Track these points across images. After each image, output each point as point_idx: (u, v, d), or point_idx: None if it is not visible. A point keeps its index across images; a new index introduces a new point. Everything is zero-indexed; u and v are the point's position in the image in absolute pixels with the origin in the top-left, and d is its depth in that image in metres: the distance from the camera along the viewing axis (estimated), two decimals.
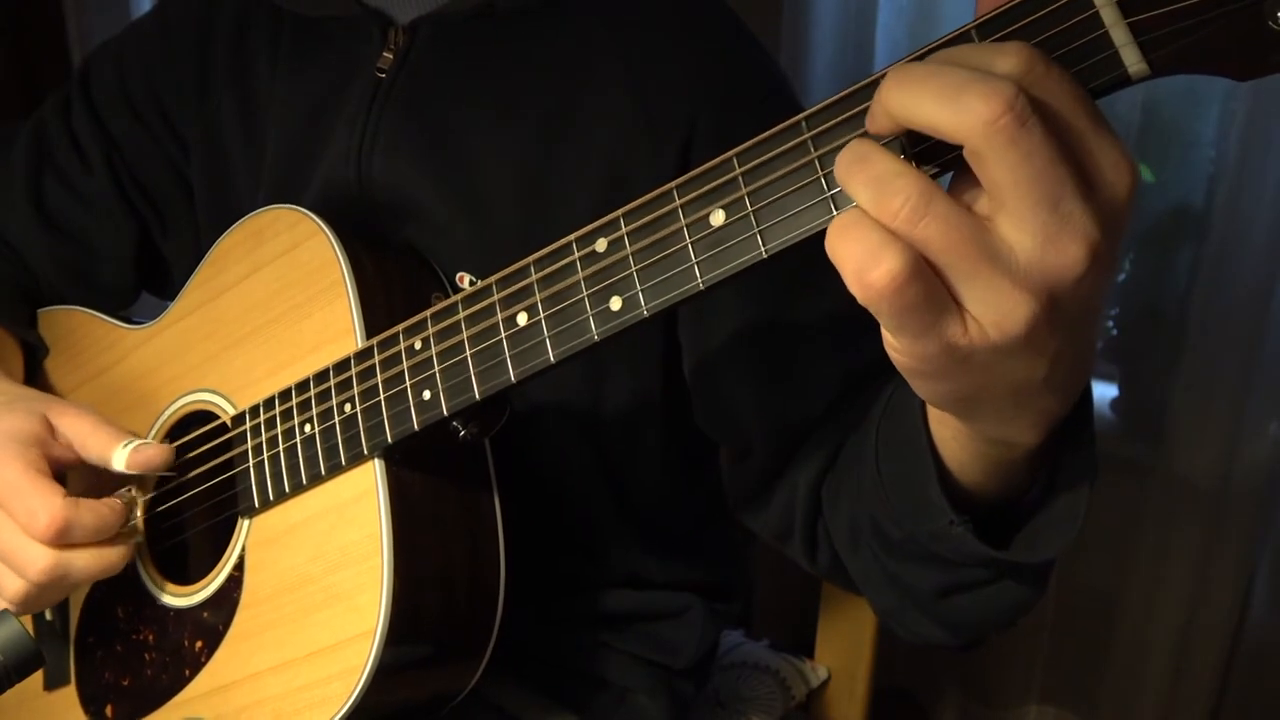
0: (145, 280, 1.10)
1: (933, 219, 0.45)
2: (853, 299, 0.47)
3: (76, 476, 0.87)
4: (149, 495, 0.89)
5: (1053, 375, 0.51)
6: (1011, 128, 0.43)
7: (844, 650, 1.23)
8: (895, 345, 0.49)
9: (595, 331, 0.60)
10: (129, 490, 0.84)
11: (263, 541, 0.80)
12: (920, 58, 0.49)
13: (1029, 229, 0.45)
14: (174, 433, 0.90)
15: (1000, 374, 0.50)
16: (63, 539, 0.77)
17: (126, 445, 0.81)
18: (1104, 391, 1.84)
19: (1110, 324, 1.85)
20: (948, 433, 0.62)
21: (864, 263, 0.45)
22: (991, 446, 0.59)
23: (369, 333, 0.76)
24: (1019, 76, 0.44)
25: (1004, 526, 0.64)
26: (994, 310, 0.46)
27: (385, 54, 0.90)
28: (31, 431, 0.81)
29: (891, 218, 0.45)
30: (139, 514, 0.88)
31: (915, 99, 0.45)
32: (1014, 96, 0.43)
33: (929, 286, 0.46)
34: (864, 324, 0.50)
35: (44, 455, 0.81)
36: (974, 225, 0.45)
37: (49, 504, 0.77)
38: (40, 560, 0.77)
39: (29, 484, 0.78)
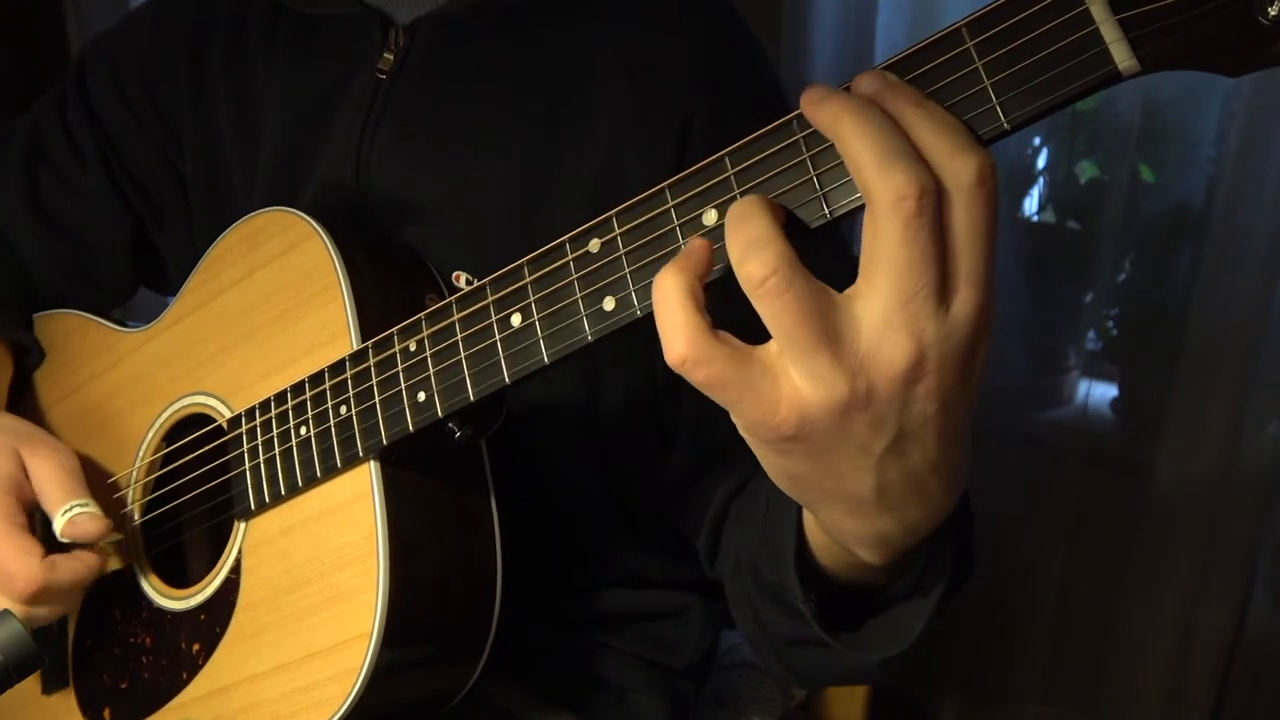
0: (142, 275, 1.10)
1: (792, 297, 0.47)
2: None
3: None
4: (146, 497, 0.89)
5: (884, 495, 0.53)
6: (910, 211, 0.46)
7: None
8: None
9: (589, 332, 0.60)
10: (101, 549, 0.85)
11: (259, 544, 0.80)
12: (911, 55, 0.49)
13: (878, 309, 0.47)
14: (171, 435, 0.90)
15: (828, 465, 0.52)
16: (38, 601, 0.79)
17: (65, 512, 0.81)
18: (1104, 391, 1.84)
19: (1110, 324, 1.85)
20: (808, 517, 0.64)
21: (665, 336, 0.50)
22: (838, 545, 0.61)
23: (364, 335, 0.76)
24: (957, 178, 0.47)
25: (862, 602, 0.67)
26: (820, 387, 0.48)
27: (385, 54, 0.90)
28: (6, 474, 0.83)
29: (754, 285, 0.47)
30: (136, 518, 0.88)
31: (858, 143, 0.48)
32: (929, 189, 0.46)
33: (724, 369, 0.49)
34: None
35: (18, 502, 0.82)
36: (825, 305, 0.48)
37: (26, 567, 0.78)
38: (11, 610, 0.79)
39: (6, 544, 0.79)
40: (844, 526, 0.57)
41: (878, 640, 0.66)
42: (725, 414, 0.81)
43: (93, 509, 0.82)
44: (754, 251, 0.47)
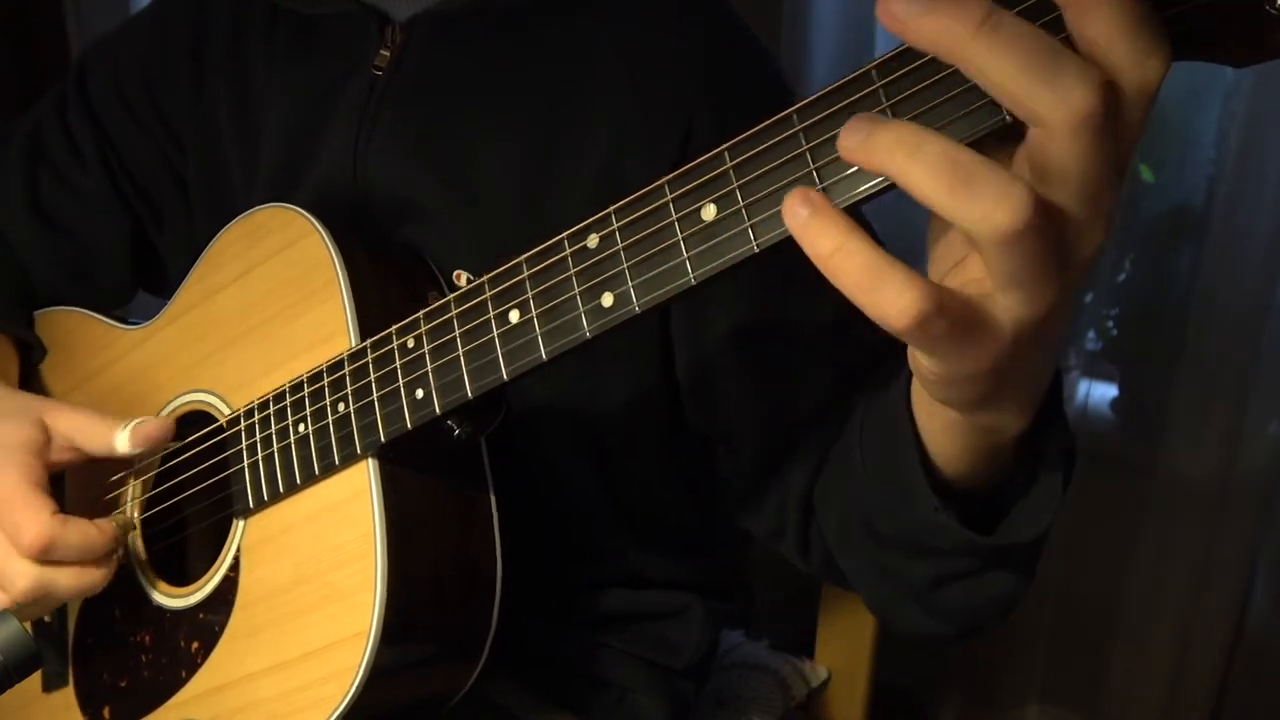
0: (141, 277, 1.10)
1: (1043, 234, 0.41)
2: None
3: (76, 480, 0.87)
4: (145, 495, 0.89)
5: (1048, 358, 0.52)
6: (1099, 119, 0.40)
7: (844, 650, 1.23)
8: (924, 364, 0.49)
9: (587, 328, 0.60)
10: (121, 512, 0.84)
11: (258, 542, 0.80)
12: (905, 51, 0.48)
13: (1094, 228, 0.43)
14: None
15: (1020, 368, 0.50)
16: (47, 556, 0.77)
17: (126, 427, 0.80)
18: (1104, 391, 1.84)
19: (1110, 324, 1.85)
20: (937, 425, 0.61)
21: (884, 303, 0.43)
22: (984, 436, 0.59)
23: (363, 332, 0.75)
24: (1144, 83, 0.41)
25: (987, 515, 0.64)
26: (1033, 309, 0.45)
27: (382, 51, 0.90)
28: (29, 439, 0.81)
29: (1003, 231, 0.41)
30: (136, 517, 0.88)
31: (1003, 59, 0.40)
32: (1107, 85, 0.40)
33: (962, 309, 0.44)
34: (856, 320, 0.48)
35: (42, 464, 0.81)
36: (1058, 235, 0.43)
37: (36, 519, 0.76)
38: (23, 579, 0.77)
39: (20, 497, 0.78)
40: (1007, 406, 0.55)
41: (1022, 523, 0.63)
42: (789, 403, 0.79)
43: (148, 417, 0.82)
44: (1007, 197, 0.40)
